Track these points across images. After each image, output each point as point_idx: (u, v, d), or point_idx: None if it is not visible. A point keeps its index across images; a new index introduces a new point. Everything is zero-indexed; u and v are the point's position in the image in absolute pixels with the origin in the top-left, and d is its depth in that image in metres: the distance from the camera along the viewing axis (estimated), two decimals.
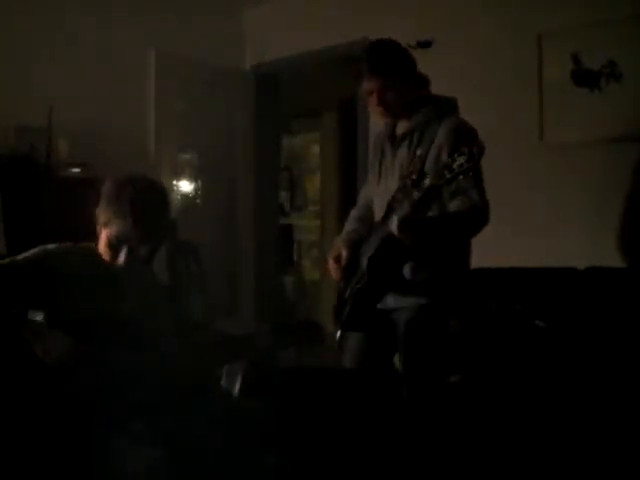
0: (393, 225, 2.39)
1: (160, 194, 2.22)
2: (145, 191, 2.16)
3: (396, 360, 2.71)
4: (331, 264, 2.74)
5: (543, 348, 2.93)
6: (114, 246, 2.14)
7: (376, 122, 3.42)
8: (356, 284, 2.61)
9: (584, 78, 3.68)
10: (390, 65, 2.58)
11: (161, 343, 2.16)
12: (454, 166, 2.21)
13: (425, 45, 4.07)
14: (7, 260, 2.06)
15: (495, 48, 4.00)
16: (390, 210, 2.46)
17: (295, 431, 2.49)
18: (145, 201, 2.14)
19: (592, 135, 3.64)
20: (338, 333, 2.74)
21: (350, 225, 2.88)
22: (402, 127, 2.66)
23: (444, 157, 2.44)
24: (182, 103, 5.01)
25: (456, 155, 2.22)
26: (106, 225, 2.14)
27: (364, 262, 2.57)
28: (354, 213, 2.93)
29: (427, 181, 2.29)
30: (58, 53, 4.22)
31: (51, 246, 2.16)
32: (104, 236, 2.16)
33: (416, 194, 2.32)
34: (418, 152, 2.52)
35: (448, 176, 2.22)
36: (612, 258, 3.41)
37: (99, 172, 3.68)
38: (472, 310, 2.98)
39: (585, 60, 3.67)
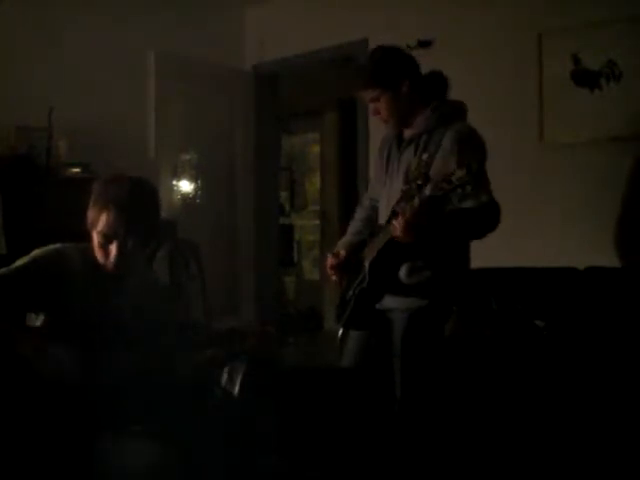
0: (393, 227, 2.40)
1: (147, 190, 2.18)
2: (130, 186, 2.12)
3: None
4: (329, 260, 2.77)
5: (543, 348, 2.93)
6: (103, 244, 2.09)
7: (376, 125, 3.42)
8: (359, 285, 2.63)
9: (584, 78, 3.69)
10: (383, 78, 2.57)
11: (161, 343, 2.16)
12: (453, 179, 2.23)
13: (426, 44, 4.07)
14: (5, 269, 2.05)
15: (495, 47, 4.00)
16: (394, 214, 2.46)
17: (294, 430, 2.49)
18: (130, 194, 2.10)
19: (592, 135, 3.65)
20: (340, 332, 2.77)
21: (353, 226, 2.90)
22: (408, 131, 2.66)
23: (451, 166, 2.43)
24: (182, 103, 5.00)
25: (456, 168, 2.24)
26: (93, 224, 2.10)
27: (367, 264, 2.59)
28: (358, 213, 2.94)
29: (426, 191, 2.30)
30: (58, 53, 4.22)
31: (51, 247, 2.15)
32: (94, 237, 2.11)
33: (417, 201, 2.33)
34: (424, 157, 2.50)
35: (447, 188, 2.25)
36: (612, 258, 3.41)
37: (99, 172, 3.68)
38: (472, 310, 2.98)
39: (585, 60, 3.68)
